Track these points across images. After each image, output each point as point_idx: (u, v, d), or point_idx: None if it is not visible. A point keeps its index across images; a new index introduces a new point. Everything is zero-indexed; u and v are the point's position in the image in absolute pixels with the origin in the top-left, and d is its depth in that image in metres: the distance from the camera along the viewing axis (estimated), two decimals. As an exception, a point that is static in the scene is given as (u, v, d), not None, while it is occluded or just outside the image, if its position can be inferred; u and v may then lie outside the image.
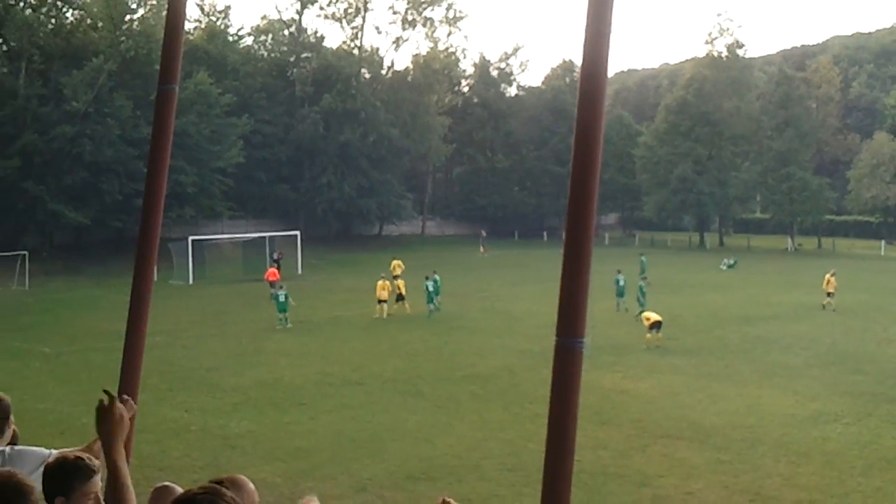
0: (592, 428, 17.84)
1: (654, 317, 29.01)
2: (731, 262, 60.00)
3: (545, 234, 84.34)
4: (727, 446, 17.31)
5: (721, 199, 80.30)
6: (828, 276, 37.67)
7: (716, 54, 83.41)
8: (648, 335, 28.75)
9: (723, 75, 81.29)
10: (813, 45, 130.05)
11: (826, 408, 20.36)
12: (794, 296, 41.66)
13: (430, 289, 36.38)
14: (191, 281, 48.99)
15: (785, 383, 23.01)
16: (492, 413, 20.13)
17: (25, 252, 48.39)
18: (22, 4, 56.64)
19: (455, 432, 18.54)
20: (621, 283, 37.50)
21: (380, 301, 35.92)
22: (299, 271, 53.44)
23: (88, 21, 60.65)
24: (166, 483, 4.07)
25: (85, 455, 3.74)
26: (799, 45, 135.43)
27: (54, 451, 4.30)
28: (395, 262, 45.57)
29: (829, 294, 37.15)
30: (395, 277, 41.94)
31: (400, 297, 36.40)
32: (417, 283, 37.68)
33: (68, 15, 60.81)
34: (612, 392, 21.88)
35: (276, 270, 42.55)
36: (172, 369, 24.67)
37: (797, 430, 18.54)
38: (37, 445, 4.48)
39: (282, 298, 33.66)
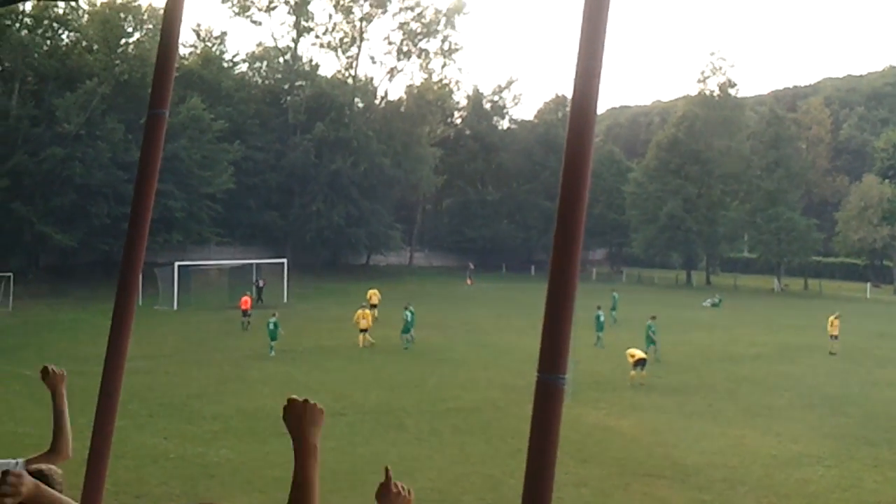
0: (574, 464, 17.75)
1: (639, 354, 28.97)
2: (716, 300, 60.13)
3: (533, 267, 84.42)
4: (708, 486, 17.23)
5: (709, 238, 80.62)
6: (832, 318, 37.58)
7: (708, 93, 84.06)
8: (633, 372, 28.69)
9: (714, 114, 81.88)
10: (804, 87, 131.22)
11: (808, 450, 20.31)
12: (780, 336, 41.72)
13: (409, 319, 36.37)
14: (175, 307, 48.76)
15: (768, 424, 22.97)
16: (474, 447, 20.02)
17: (10, 274, 48.11)
18: (18, 25, 56.71)
19: (436, 465, 18.42)
20: (601, 318, 37.54)
21: (361, 330, 36.00)
22: (286, 300, 53.27)
23: (84, 43, 60.76)
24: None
25: (46, 467, 3.75)
26: (791, 86, 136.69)
27: (20, 461, 4.29)
28: (371, 292, 45.64)
29: (833, 336, 37.02)
30: (373, 307, 42.17)
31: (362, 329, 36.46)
32: (399, 314, 37.65)
33: (64, 37, 60.95)
34: (595, 429, 21.79)
35: (248, 299, 42.33)
36: (153, 395, 24.48)
37: (779, 471, 18.48)
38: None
39: (271, 326, 33.66)
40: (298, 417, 3.09)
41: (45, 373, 5.05)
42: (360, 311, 36.78)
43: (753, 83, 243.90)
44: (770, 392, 27.78)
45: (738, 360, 34.35)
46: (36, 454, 4.75)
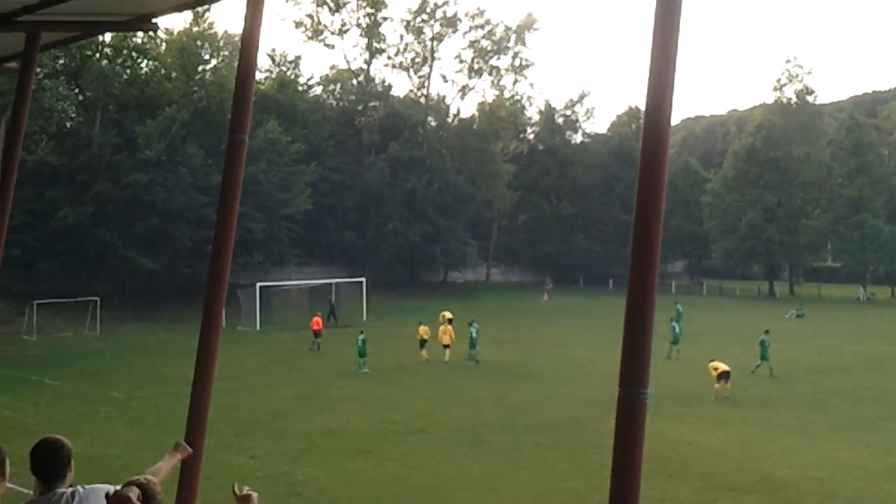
0: (659, 480, 17.53)
1: (723, 367, 28.54)
2: (801, 310, 58.92)
3: (611, 281, 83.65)
4: (799, 500, 16.88)
5: (791, 247, 79.05)
6: None
7: (785, 101, 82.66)
8: (717, 385, 28.27)
9: (792, 122, 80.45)
10: (884, 91, 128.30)
11: (902, 462, 19.77)
12: (867, 346, 40.72)
13: (474, 335, 36.63)
14: (258, 327, 49.47)
15: (858, 436, 22.42)
16: (556, 463, 19.92)
17: (97, 298, 49.30)
18: (98, 56, 58.28)
19: (519, 482, 18.37)
20: (677, 330, 37.19)
21: (444, 346, 36.51)
22: (364, 317, 53.68)
23: (162, 71, 62.18)
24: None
25: (145, 478, 3.90)
26: (870, 91, 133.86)
27: (116, 487, 4.46)
28: (443, 314, 45.67)
29: None
30: (446, 346, 41.64)
31: (423, 343, 36.86)
32: (480, 331, 37.69)
33: (143, 65, 62.40)
34: (680, 443, 21.51)
35: (319, 319, 42.53)
36: (239, 415, 24.86)
37: (870, 484, 18.02)
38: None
39: (360, 343, 34.65)
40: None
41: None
42: (442, 328, 37.32)
43: (831, 89, 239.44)
44: (859, 404, 27.12)
45: (824, 371, 33.62)
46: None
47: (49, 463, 4.56)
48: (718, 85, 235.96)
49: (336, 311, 53.89)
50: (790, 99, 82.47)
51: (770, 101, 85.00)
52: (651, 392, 3.83)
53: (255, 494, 4.67)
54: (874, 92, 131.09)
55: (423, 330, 37.42)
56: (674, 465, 19.28)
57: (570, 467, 19.51)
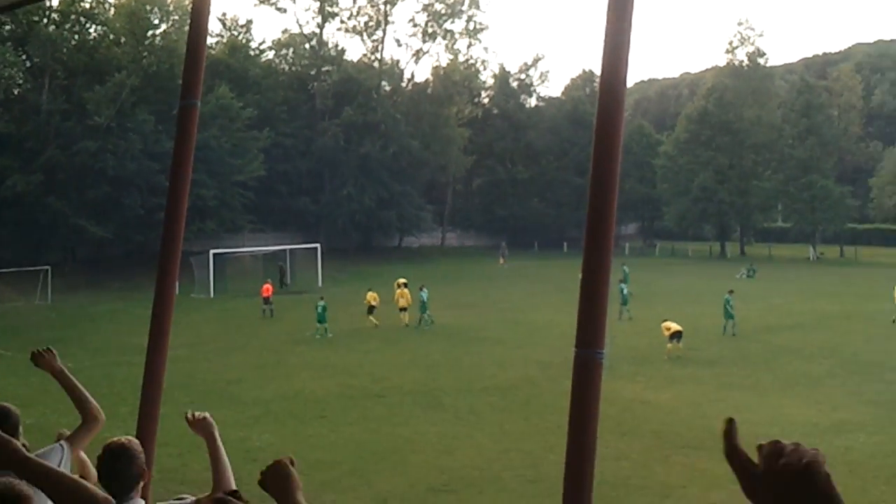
0: (613, 439, 17.76)
1: (675, 326, 28.88)
2: (751, 270, 59.73)
3: (565, 244, 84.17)
4: (750, 456, 17.19)
5: (742, 209, 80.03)
6: None
7: (737, 63, 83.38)
8: (669, 345, 28.62)
9: (744, 84, 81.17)
10: (835, 53, 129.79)
11: (849, 417, 20.20)
12: (817, 305, 41.41)
13: (424, 299, 36.87)
14: (212, 294, 49.18)
15: (807, 393, 22.85)
16: (512, 424, 20.09)
17: (48, 267, 48.72)
18: (45, 21, 57.15)
19: (475, 444, 18.52)
20: (624, 291, 37.61)
21: (401, 309, 36.70)
22: (320, 284, 53.55)
23: (111, 36, 61.16)
24: (187, 497, 4.09)
25: (126, 439, 3.85)
26: (821, 53, 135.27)
27: (63, 443, 4.38)
28: (398, 280, 45.73)
29: None
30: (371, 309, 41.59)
31: (371, 310, 36.86)
32: (434, 295, 37.80)
33: (91, 31, 61.33)
34: (633, 402, 21.78)
35: (269, 286, 42.22)
36: (194, 382, 24.76)
37: (820, 439, 18.38)
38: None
39: (319, 310, 34.63)
40: (286, 479, 2.73)
41: (37, 358, 4.87)
42: (398, 291, 37.45)
43: (783, 52, 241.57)
44: (809, 361, 27.62)
45: (775, 329, 34.15)
46: (72, 431, 4.84)
47: None
48: (671, 48, 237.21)
49: (286, 277, 53.70)
50: (742, 61, 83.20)
51: (722, 63, 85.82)
52: (606, 352, 3.87)
53: (207, 415, 4.61)
54: (825, 54, 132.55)
55: (371, 296, 37.36)
56: (627, 423, 19.53)
57: (526, 428, 19.69)
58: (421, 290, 37.44)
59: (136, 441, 4.18)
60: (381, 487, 15.61)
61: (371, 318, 36.53)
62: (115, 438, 4.08)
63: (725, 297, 33.96)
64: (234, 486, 4.21)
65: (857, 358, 28.03)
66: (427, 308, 36.89)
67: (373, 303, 37.07)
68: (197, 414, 4.58)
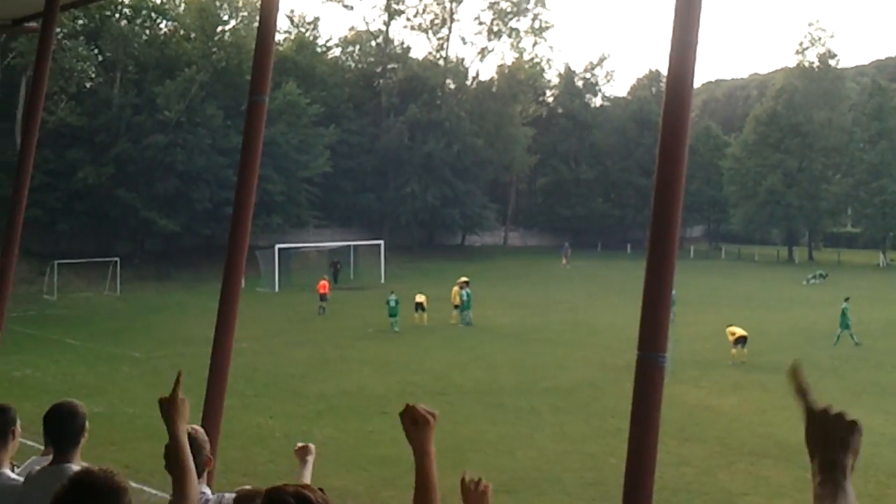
0: (675, 444, 17.60)
1: (740, 332, 28.50)
2: (822, 273, 58.66)
3: (629, 246, 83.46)
4: (814, 466, 16.90)
5: (811, 213, 78.56)
6: None
7: (807, 64, 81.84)
8: (734, 350, 28.27)
9: (814, 86, 79.66)
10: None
11: (919, 428, 19.76)
12: (886, 312, 40.56)
13: (465, 298, 36.82)
14: (277, 288, 49.71)
15: (875, 402, 22.40)
16: (573, 426, 20.01)
17: (117, 258, 49.63)
18: (117, 16, 58.24)
19: (536, 445, 18.48)
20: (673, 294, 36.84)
21: (455, 307, 37.21)
22: (382, 280, 53.83)
23: (181, 32, 62.10)
24: (248, 487, 4.15)
25: (192, 428, 3.92)
26: (893, 55, 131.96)
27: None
28: (455, 290, 45.70)
29: None
30: (456, 307, 42.32)
31: (418, 306, 36.97)
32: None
33: (162, 26, 62.35)
34: (696, 408, 21.56)
35: (326, 283, 42.38)
36: (258, 375, 25.08)
37: (887, 449, 18.02)
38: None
39: (392, 304, 35.10)
40: (416, 424, 3.17)
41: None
42: (455, 289, 37.64)
43: (854, 53, 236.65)
44: (877, 369, 27.08)
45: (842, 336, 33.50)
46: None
47: (62, 429, 4.47)
48: (740, 48, 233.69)
49: (339, 274, 54.02)
50: (812, 63, 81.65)
51: (792, 64, 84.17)
52: (669, 356, 3.84)
53: (312, 445, 4.68)
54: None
55: (421, 297, 37.43)
56: (690, 429, 19.34)
57: (587, 430, 19.60)
58: (462, 288, 37.40)
59: (202, 430, 4.25)
60: (441, 486, 15.61)
61: (415, 315, 36.62)
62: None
63: (843, 305, 32.80)
64: None
65: (928, 367, 27.41)
66: (467, 307, 36.84)
67: (420, 300, 37.08)
68: (301, 444, 4.94)
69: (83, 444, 4.54)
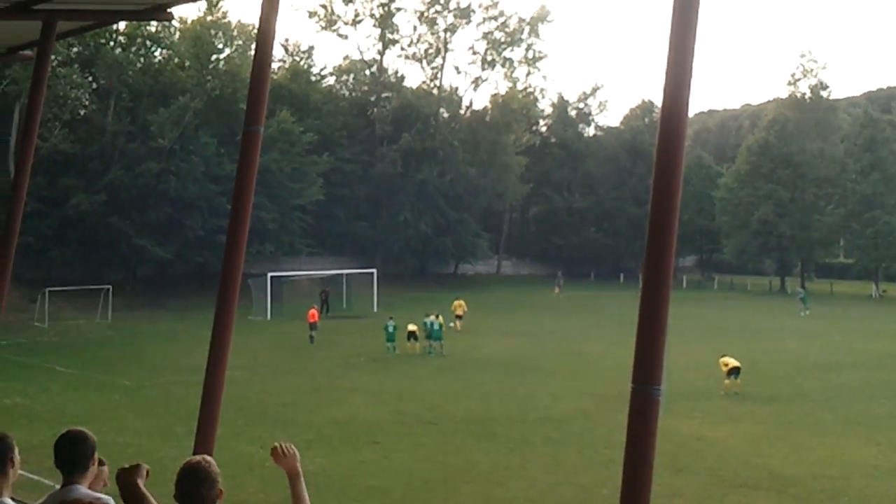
0: (668, 475, 17.52)
1: (733, 362, 28.46)
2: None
3: (621, 275, 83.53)
4: (808, 497, 16.86)
5: (803, 243, 78.77)
6: None
7: (799, 95, 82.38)
8: (727, 381, 28.22)
9: (806, 117, 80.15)
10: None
11: (912, 460, 19.72)
12: (879, 344, 40.57)
13: (436, 327, 36.73)
14: (269, 317, 49.56)
15: (868, 433, 22.36)
16: (565, 457, 19.92)
17: (109, 286, 49.47)
18: (112, 44, 58.37)
19: (528, 475, 18.39)
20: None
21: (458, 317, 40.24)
22: (375, 308, 53.72)
23: (176, 60, 62.26)
24: None
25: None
26: (885, 87, 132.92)
27: None
28: (456, 303, 45.70)
29: None
30: (458, 318, 42.89)
31: (409, 335, 36.85)
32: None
33: (157, 54, 62.53)
34: (689, 439, 21.49)
35: (316, 311, 42.11)
36: (249, 404, 24.93)
37: (880, 482, 17.98)
38: (112, 478, 4.57)
39: (391, 329, 35.99)
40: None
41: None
42: (456, 303, 41.44)
43: (846, 84, 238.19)
44: (870, 401, 27.04)
45: (835, 368, 33.49)
46: None
47: (70, 455, 4.49)
48: (732, 79, 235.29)
49: (328, 302, 53.81)
50: (804, 94, 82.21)
51: (784, 95, 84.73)
52: (663, 388, 3.82)
53: (295, 448, 4.60)
54: (889, 87, 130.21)
55: (413, 326, 37.29)
56: (682, 460, 19.27)
57: (580, 461, 19.52)
58: (427, 316, 37.32)
59: (215, 462, 4.21)
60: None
61: (407, 343, 36.58)
62: (195, 457, 4.12)
63: None
64: None
65: (921, 399, 27.38)
66: (439, 336, 36.63)
67: (412, 329, 37.01)
68: (286, 447, 4.48)
69: (93, 472, 4.55)
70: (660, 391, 3.80)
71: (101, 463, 4.49)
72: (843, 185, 78.14)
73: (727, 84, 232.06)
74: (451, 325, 38.42)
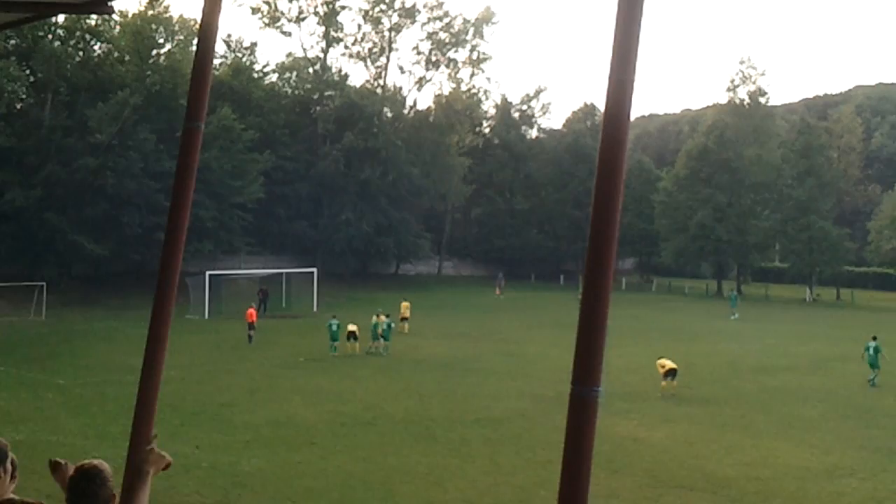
0: (605, 476, 17.66)
1: (670, 364, 28.77)
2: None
3: (562, 277, 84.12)
4: (741, 498, 17.10)
5: (740, 247, 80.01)
6: None
7: (738, 101, 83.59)
8: (663, 383, 28.53)
9: (744, 123, 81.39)
10: (835, 95, 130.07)
11: (842, 462, 20.12)
12: (812, 347, 41.33)
13: (385, 327, 36.95)
14: (206, 316, 49.02)
15: (801, 436, 22.76)
16: (504, 458, 19.98)
17: (44, 283, 48.58)
18: (50, 37, 57.35)
19: (466, 476, 18.41)
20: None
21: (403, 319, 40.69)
22: (315, 308, 53.45)
23: (115, 54, 61.38)
24: None
25: (99, 462, 3.84)
26: (822, 94, 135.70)
27: None
28: (404, 304, 45.62)
29: None
30: (404, 319, 42.84)
31: (350, 335, 36.60)
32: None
33: (96, 48, 61.56)
34: (626, 440, 21.68)
35: (254, 311, 41.71)
36: (185, 404, 24.63)
37: (812, 483, 18.31)
38: (44, 478, 4.40)
39: (333, 328, 35.79)
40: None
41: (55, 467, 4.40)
42: (405, 304, 41.89)
43: (784, 91, 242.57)
44: (803, 403, 27.53)
45: (769, 371, 34.03)
46: None
47: None
48: (673, 84, 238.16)
49: (267, 301, 53.33)
50: (743, 100, 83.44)
51: (723, 101, 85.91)
52: (602, 389, 3.84)
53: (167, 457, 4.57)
54: (825, 95, 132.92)
55: (353, 326, 37.08)
56: (619, 461, 19.43)
57: (518, 462, 19.59)
58: (378, 316, 37.45)
59: (107, 465, 4.09)
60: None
61: (348, 344, 36.40)
62: (87, 461, 4.01)
63: (872, 343, 32.22)
64: None
65: (851, 402, 27.96)
66: (388, 335, 36.91)
67: (352, 329, 36.82)
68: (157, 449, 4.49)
69: (5, 481, 4.33)
70: (599, 392, 3.81)
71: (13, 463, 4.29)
72: (779, 190, 79.56)
73: (668, 89, 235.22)
74: (394, 325, 38.34)
